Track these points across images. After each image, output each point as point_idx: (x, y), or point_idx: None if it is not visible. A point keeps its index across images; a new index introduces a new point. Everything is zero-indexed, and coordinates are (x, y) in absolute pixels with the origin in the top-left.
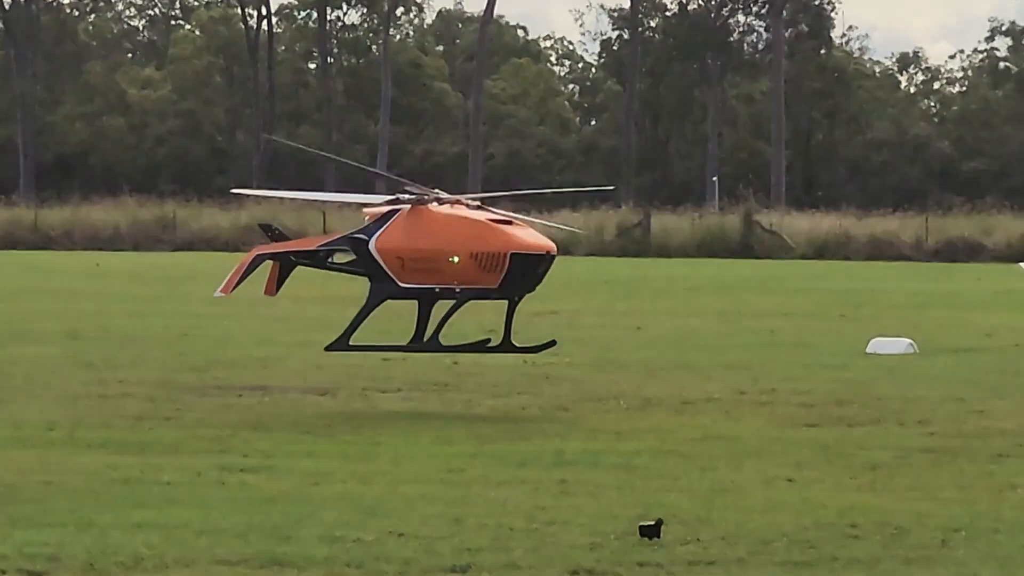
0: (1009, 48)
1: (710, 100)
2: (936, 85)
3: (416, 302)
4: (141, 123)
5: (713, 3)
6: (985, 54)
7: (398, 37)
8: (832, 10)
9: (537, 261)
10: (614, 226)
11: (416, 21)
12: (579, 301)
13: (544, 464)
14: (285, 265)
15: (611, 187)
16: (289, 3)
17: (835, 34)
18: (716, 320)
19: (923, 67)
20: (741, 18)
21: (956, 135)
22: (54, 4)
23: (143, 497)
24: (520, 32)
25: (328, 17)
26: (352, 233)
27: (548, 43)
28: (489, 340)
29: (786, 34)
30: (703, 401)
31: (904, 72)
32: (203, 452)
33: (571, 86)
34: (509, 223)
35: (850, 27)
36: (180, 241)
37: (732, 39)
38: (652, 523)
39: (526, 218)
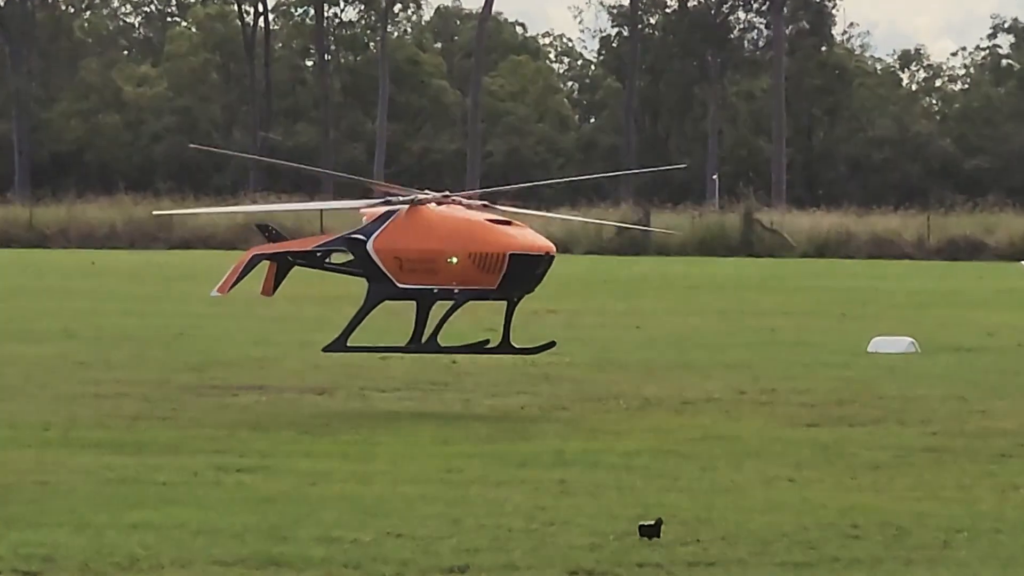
0: (1011, 45)
1: (710, 97)
2: (938, 83)
3: (414, 303)
4: (137, 120)
5: (713, 0)
6: (987, 51)
7: (396, 34)
8: (833, 7)
9: (536, 262)
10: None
11: (414, 18)
12: (578, 300)
13: (543, 464)
14: (282, 265)
15: (683, 165)
16: (286, 0)
17: (836, 31)
18: (716, 319)
19: (925, 64)
20: (741, 15)
21: (958, 133)
22: (49, 1)
23: (139, 497)
24: (519, 29)
25: (325, 14)
26: (350, 233)
27: (547, 40)
28: (488, 341)
29: (787, 31)
30: (703, 401)
31: (906, 69)
32: (200, 452)
33: (570, 83)
34: (508, 223)
35: (851, 24)
36: (176, 239)
37: (732, 36)
38: (652, 523)
39: (573, 216)
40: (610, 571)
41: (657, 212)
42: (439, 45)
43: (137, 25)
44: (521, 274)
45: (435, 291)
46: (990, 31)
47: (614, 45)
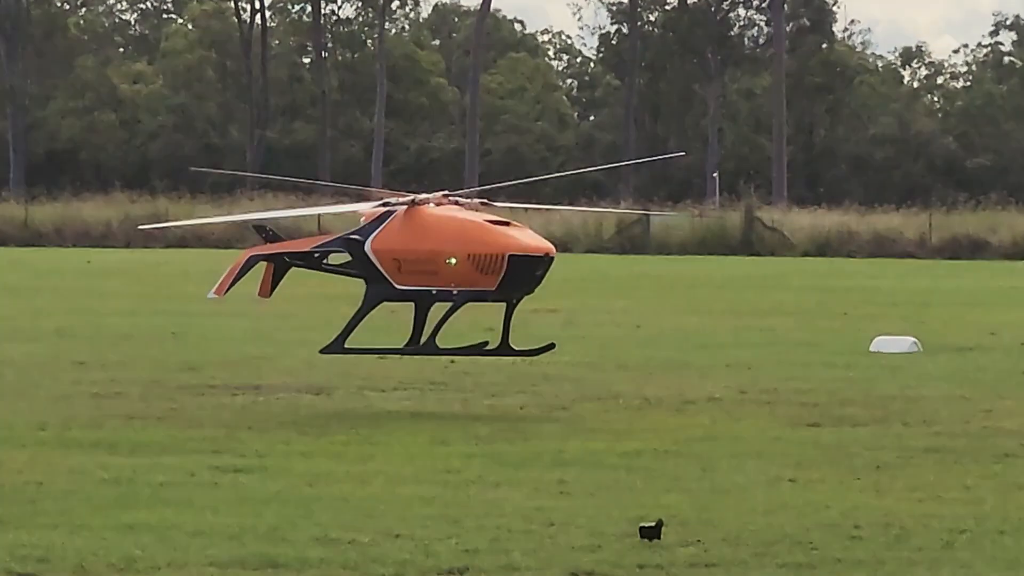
0: (1014, 43)
1: (710, 95)
2: (940, 80)
3: (412, 304)
4: (133, 118)
5: None
6: (989, 48)
7: (393, 31)
8: (834, 4)
9: (535, 263)
10: (613, 223)
11: (412, 15)
12: (578, 299)
13: (543, 464)
14: (279, 267)
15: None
16: None
17: (837, 28)
18: (717, 318)
19: (926, 62)
20: (742, 12)
21: (960, 131)
22: None
23: (135, 498)
24: (517, 26)
25: (322, 11)
26: (348, 234)
27: (546, 37)
28: (487, 343)
29: (787, 28)
30: (704, 400)
31: (907, 67)
32: (196, 452)
33: (569, 81)
34: (507, 224)
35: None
36: (172, 238)
37: (733, 33)
38: (652, 524)
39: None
40: (610, 572)
41: (657, 210)
42: (437, 42)
43: (133, 22)
44: (520, 275)
45: (434, 292)
46: (992, 28)
47: (613, 42)
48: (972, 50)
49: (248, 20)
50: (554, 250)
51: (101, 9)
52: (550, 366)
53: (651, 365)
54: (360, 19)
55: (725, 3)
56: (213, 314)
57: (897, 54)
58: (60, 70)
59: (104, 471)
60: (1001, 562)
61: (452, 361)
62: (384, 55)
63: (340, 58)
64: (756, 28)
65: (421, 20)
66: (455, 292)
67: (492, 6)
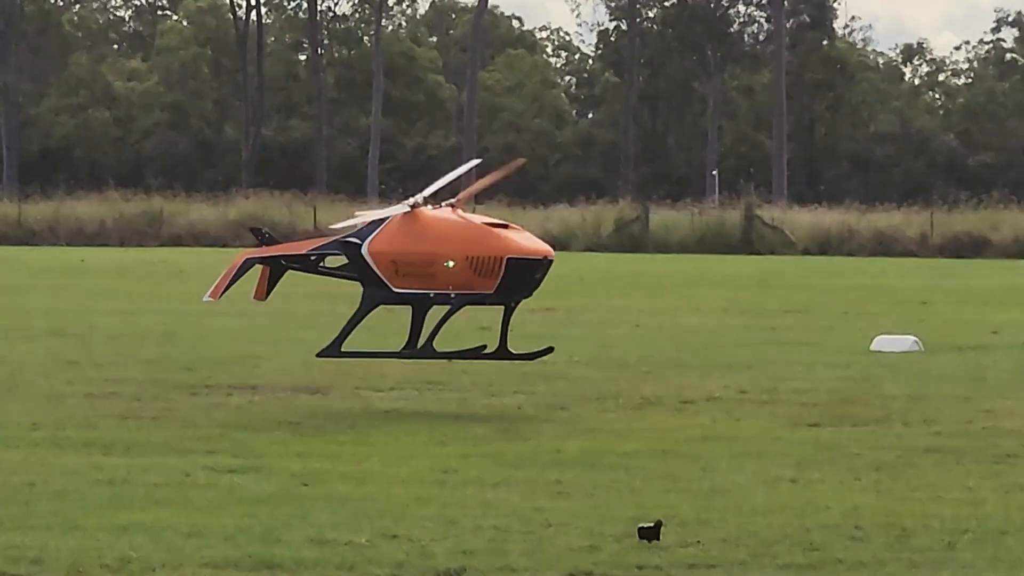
0: (1016, 39)
1: (710, 92)
2: (941, 77)
3: (410, 308)
4: (127, 116)
5: None
6: (991, 45)
7: (390, 28)
8: (834, 0)
9: (534, 266)
10: (612, 221)
11: (409, 11)
12: (576, 298)
13: (541, 465)
14: (275, 269)
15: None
16: None
17: (838, 25)
18: (716, 317)
19: (928, 59)
20: (741, 8)
21: (961, 128)
22: None
23: (129, 498)
24: (515, 23)
25: (319, 7)
26: (345, 237)
27: (544, 34)
28: (485, 346)
29: (788, 25)
30: (703, 400)
31: (908, 64)
32: (191, 452)
33: (567, 78)
34: (505, 227)
35: (853, 17)
36: (167, 236)
37: (732, 30)
38: (651, 525)
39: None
40: (609, 573)
41: (656, 209)
42: (434, 39)
43: (127, 19)
44: (519, 278)
45: (431, 295)
46: (994, 24)
47: (612, 39)
48: (974, 47)
49: (243, 16)
50: (553, 253)
51: (95, 6)
52: (548, 366)
53: (650, 364)
54: (357, 16)
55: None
56: (208, 313)
57: (898, 51)
58: (54, 67)
59: (98, 471)
60: (1003, 563)
61: (449, 360)
62: (381, 52)
63: (336, 55)
64: (756, 25)
65: (418, 17)
66: (453, 295)
67: (490, 2)
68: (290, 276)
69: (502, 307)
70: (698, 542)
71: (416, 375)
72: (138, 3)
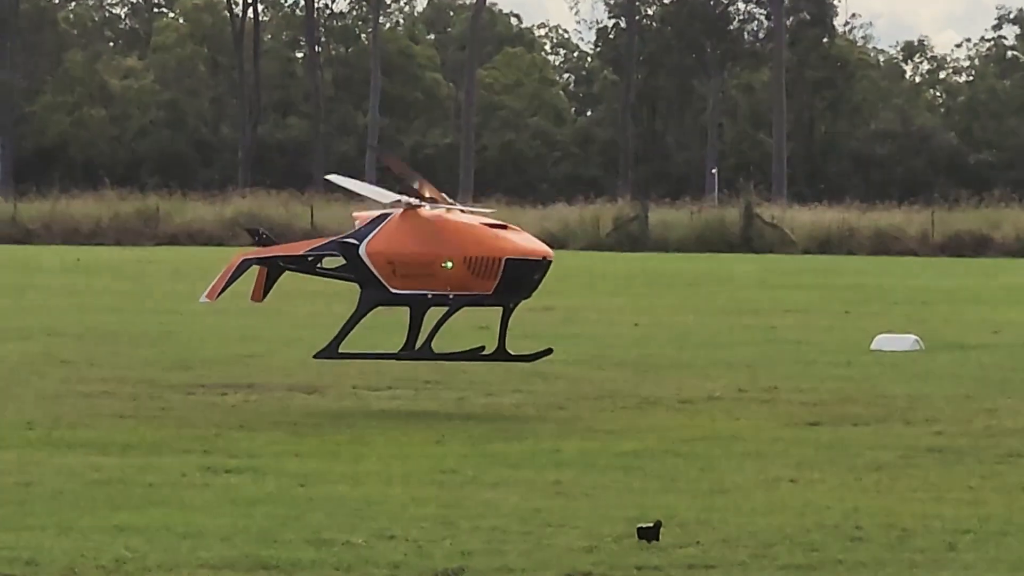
0: (1017, 37)
1: (709, 90)
2: (942, 75)
3: (408, 309)
4: (123, 114)
5: None
6: (992, 43)
7: (388, 25)
8: None
9: (533, 267)
10: (611, 220)
11: (406, 9)
12: (575, 297)
13: (539, 464)
14: (272, 270)
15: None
16: None
17: (838, 22)
18: (716, 316)
19: (929, 56)
20: (741, 5)
21: (963, 126)
22: None
23: (125, 499)
24: (513, 20)
25: (316, 4)
26: (342, 237)
27: (542, 31)
28: (483, 347)
29: (788, 22)
30: (702, 400)
31: (909, 61)
32: (187, 452)
33: (566, 76)
34: (504, 227)
35: (853, 15)
36: (163, 235)
37: (732, 27)
38: (650, 525)
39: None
40: (607, 574)
41: (655, 207)
42: (432, 37)
43: (123, 16)
44: (518, 280)
45: (429, 297)
46: (995, 22)
47: (611, 37)
48: (975, 44)
49: (240, 14)
50: (552, 254)
51: (91, 3)
52: (546, 365)
53: (649, 364)
54: (354, 13)
55: None
56: (204, 313)
57: (899, 48)
58: (49, 65)
59: (93, 471)
60: (1004, 564)
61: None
62: (378, 50)
63: (334, 53)
64: (756, 22)
65: (416, 14)
66: (451, 296)
67: (488, 0)
68: (287, 275)
69: (500, 308)
70: (697, 542)
71: (414, 374)
72: (134, 0)
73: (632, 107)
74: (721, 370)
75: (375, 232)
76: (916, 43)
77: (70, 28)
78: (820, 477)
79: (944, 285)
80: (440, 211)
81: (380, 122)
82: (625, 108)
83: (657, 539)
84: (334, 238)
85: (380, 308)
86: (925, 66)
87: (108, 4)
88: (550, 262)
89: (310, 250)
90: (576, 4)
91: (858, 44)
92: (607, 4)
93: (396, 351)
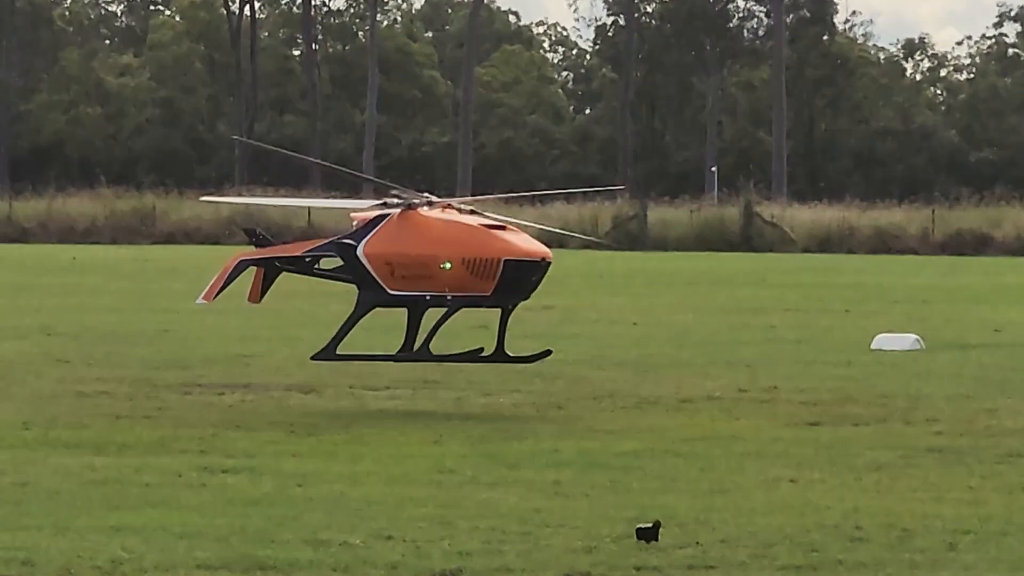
0: (1018, 34)
1: (709, 88)
2: (943, 72)
3: (406, 310)
4: (119, 112)
5: None
6: (993, 40)
7: (385, 23)
8: None
9: (532, 268)
10: (609, 219)
11: (404, 6)
12: (574, 296)
13: (537, 464)
14: (269, 271)
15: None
16: None
17: (838, 19)
18: (715, 315)
19: (929, 54)
20: (741, 3)
21: (963, 124)
22: None
23: (122, 499)
24: (512, 18)
25: (313, 2)
26: (340, 238)
27: (541, 29)
28: (482, 349)
29: (787, 20)
30: (702, 399)
31: (910, 59)
32: (184, 452)
33: (565, 73)
34: (503, 228)
35: (854, 12)
36: (160, 234)
37: (731, 25)
38: (649, 525)
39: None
40: (606, 575)
41: (654, 206)
42: (430, 34)
43: (119, 14)
44: (516, 281)
45: (427, 298)
46: (996, 19)
47: (610, 34)
48: (976, 42)
49: (237, 11)
50: (550, 255)
51: (87, 0)
52: (545, 364)
53: (648, 363)
54: (351, 11)
55: None
56: (201, 312)
57: (899, 46)
58: (45, 63)
59: (90, 471)
60: (1005, 564)
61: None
62: (376, 47)
63: (331, 50)
64: (755, 20)
65: (414, 12)
66: (449, 298)
67: None
68: (284, 274)
69: (499, 309)
70: (697, 543)
71: (411, 374)
72: None
73: (631, 105)
74: (721, 370)
75: (373, 233)
76: (917, 41)
77: (66, 26)
78: (820, 477)
79: (945, 284)
80: (438, 212)
81: (378, 120)
82: (624, 106)
83: (656, 539)
84: (332, 239)
85: (378, 309)
86: (926, 64)
87: (104, 2)
88: (549, 263)
89: (307, 251)
90: (575, 1)
91: (858, 42)
92: (606, 1)
93: (394, 353)
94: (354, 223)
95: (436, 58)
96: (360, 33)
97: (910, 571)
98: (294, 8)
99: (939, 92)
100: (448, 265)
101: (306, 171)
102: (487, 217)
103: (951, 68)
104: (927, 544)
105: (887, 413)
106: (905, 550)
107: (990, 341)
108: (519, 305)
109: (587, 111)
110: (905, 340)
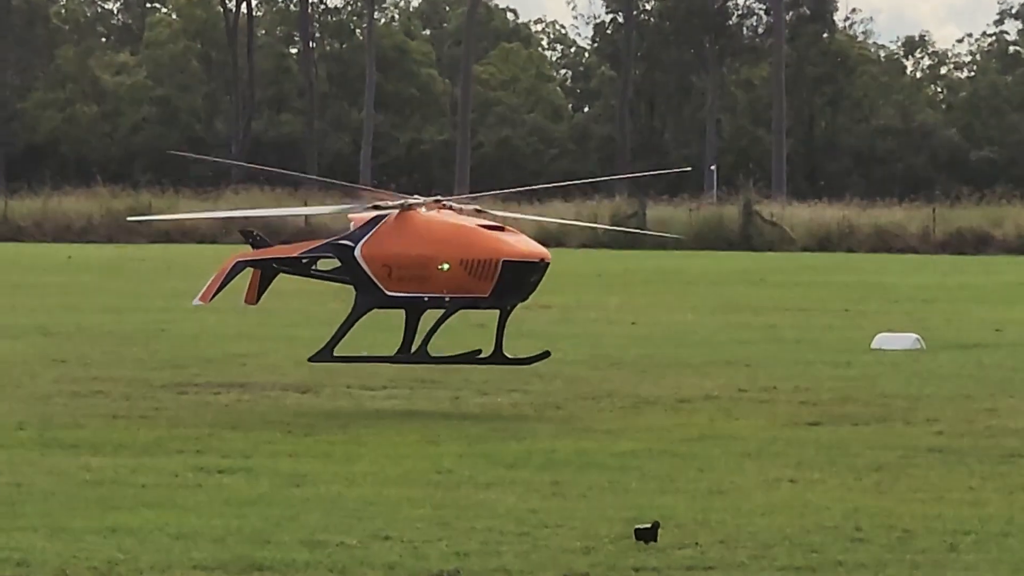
0: (1019, 32)
1: (708, 86)
2: (943, 70)
3: (403, 312)
4: (115, 110)
5: None
6: (994, 38)
7: (383, 20)
8: None
9: (530, 269)
10: (608, 217)
11: (402, 4)
12: (572, 295)
13: (535, 465)
14: (266, 272)
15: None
16: None
17: (838, 17)
18: (714, 315)
19: (930, 51)
20: (740, 1)
21: (964, 122)
22: None
23: (117, 500)
24: (510, 15)
25: (310, 0)
26: (337, 239)
27: (539, 27)
28: (480, 351)
29: (787, 17)
30: (701, 399)
31: (910, 57)
32: (180, 452)
33: (563, 71)
34: (501, 229)
35: (853, 10)
36: (156, 233)
37: (731, 22)
38: (648, 526)
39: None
40: (604, 575)
41: (653, 204)
42: (427, 32)
43: (115, 12)
44: (514, 282)
45: (425, 299)
46: (997, 17)
47: (608, 32)
48: (976, 40)
49: (233, 9)
50: (549, 256)
51: None
52: (543, 364)
53: (646, 363)
54: (348, 8)
55: None
56: (197, 311)
57: (899, 44)
58: (41, 61)
59: (85, 472)
60: (1006, 565)
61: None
62: (373, 45)
63: (328, 48)
64: (755, 17)
65: (411, 9)
66: (447, 299)
67: None
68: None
69: (497, 311)
70: (696, 544)
71: (408, 374)
72: None
73: (630, 103)
74: (720, 369)
75: (371, 234)
76: (917, 38)
77: (62, 24)
78: (820, 477)
79: (945, 283)
80: (436, 212)
81: (375, 118)
82: (623, 104)
83: (655, 540)
84: (329, 240)
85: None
86: (926, 62)
87: (100, 0)
88: (547, 264)
89: (304, 252)
90: None
91: (858, 39)
92: None
93: (392, 354)
94: (351, 224)
95: (434, 56)
96: (357, 31)
97: (911, 572)
98: (291, 6)
99: (939, 90)
100: (446, 266)
101: (303, 168)
102: (488, 217)
103: (952, 66)
104: (928, 545)
105: (887, 413)
106: (906, 551)
107: (991, 341)
108: (517, 305)
109: (586, 109)
110: (905, 340)
